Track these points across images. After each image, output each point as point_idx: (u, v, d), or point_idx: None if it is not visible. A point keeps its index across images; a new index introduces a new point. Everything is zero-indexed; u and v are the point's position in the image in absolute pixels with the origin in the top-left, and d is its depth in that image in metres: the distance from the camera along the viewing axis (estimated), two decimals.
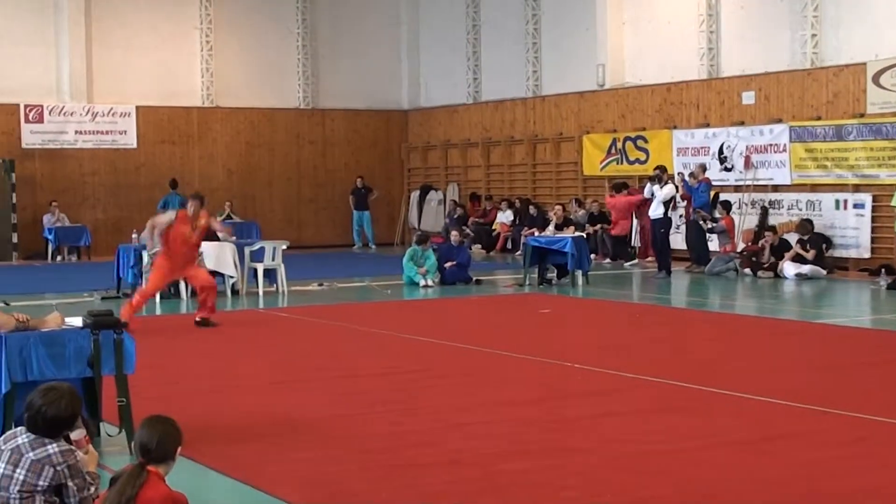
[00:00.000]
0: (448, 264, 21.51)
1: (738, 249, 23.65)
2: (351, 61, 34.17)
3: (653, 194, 22.86)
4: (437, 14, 34.37)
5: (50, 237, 29.29)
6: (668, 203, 22.64)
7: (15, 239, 29.23)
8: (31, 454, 5.36)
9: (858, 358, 12.72)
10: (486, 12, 32.65)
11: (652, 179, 23.35)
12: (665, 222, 22.66)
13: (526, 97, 31.18)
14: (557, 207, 24.32)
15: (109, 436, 8.20)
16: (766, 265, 22.24)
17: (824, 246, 22.36)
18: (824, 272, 21.89)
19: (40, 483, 5.31)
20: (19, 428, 5.56)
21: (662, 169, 23.25)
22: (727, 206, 23.93)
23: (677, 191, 23.60)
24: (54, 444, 5.40)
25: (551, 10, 30.49)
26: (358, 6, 34.36)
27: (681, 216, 24.89)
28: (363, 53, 34.33)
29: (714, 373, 11.43)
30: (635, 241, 26.34)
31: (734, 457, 8.01)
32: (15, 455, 5.37)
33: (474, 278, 21.62)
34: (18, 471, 5.33)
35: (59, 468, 5.34)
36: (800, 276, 21.49)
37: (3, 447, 5.46)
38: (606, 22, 28.40)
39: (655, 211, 22.68)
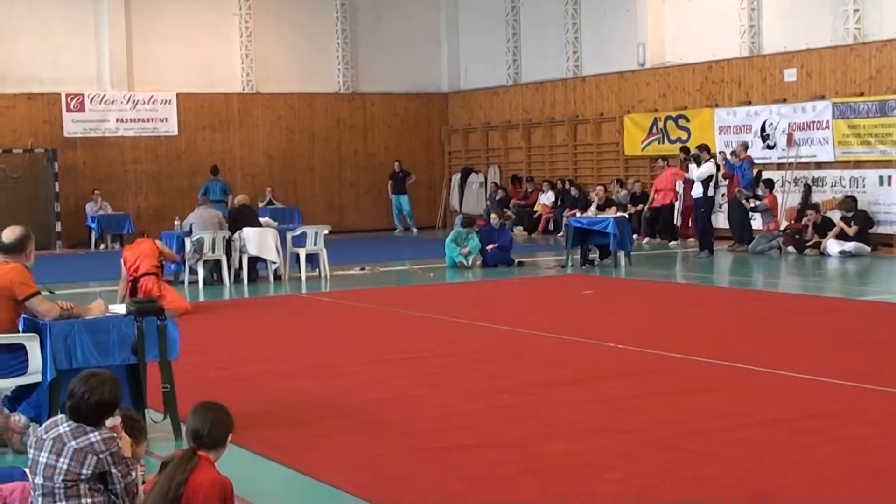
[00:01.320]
0: (490, 247, 21.48)
1: (782, 227, 23.47)
2: (390, 45, 34.16)
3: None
4: None
5: (93, 225, 29.51)
6: (707, 182, 22.45)
7: (58, 228, 29.46)
8: (73, 443, 5.39)
9: None
10: None
11: (689, 159, 23.23)
12: (706, 201, 22.49)
13: (566, 78, 31.05)
14: (599, 188, 24.20)
15: (154, 422, 8.26)
16: (809, 243, 22.07)
17: (868, 223, 22.14)
18: (868, 249, 21.69)
19: (84, 472, 5.35)
20: (60, 416, 5.60)
21: (700, 148, 23.06)
22: (770, 184, 23.75)
23: (718, 169, 23.41)
24: (96, 433, 5.43)
25: None
26: None
27: (723, 195, 24.72)
28: (403, 37, 34.31)
29: (757, 351, 11.36)
30: (677, 219, 26.19)
31: (777, 435, 7.97)
32: (57, 444, 5.41)
33: (516, 260, 21.57)
34: (62, 460, 5.37)
35: (102, 456, 5.37)
36: (844, 254, 21.31)
37: (44, 436, 5.50)
38: (646, 1, 28.22)
39: (696, 190, 22.56)
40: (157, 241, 16.59)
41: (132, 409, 6.68)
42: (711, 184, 22.45)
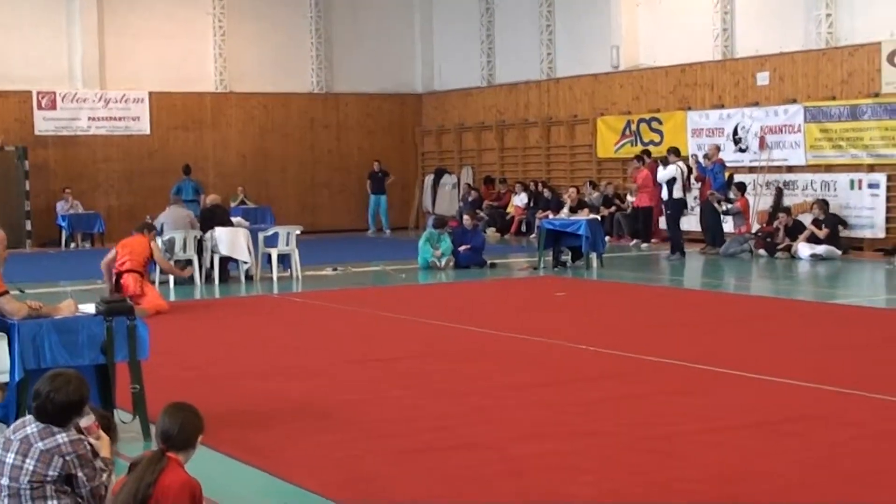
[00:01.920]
0: (463, 248, 21.45)
1: (753, 230, 23.55)
2: (365, 45, 34.09)
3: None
4: None
5: (63, 224, 29.31)
6: (671, 184, 22.51)
7: (29, 226, 29.26)
8: (39, 444, 5.32)
9: (874, 338, 12.63)
10: None
11: (656, 161, 23.41)
12: (672, 204, 22.59)
13: (540, 80, 31.07)
14: (571, 190, 24.25)
15: (123, 423, 8.17)
16: (780, 246, 22.15)
17: (839, 226, 22.23)
18: (839, 252, 21.77)
19: (50, 473, 5.28)
20: (28, 417, 5.52)
21: (669, 150, 23.19)
22: (742, 187, 23.81)
23: (690, 172, 23.50)
24: (63, 434, 5.36)
25: None
26: None
27: (695, 198, 24.81)
28: (377, 37, 34.24)
29: (731, 354, 11.38)
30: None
31: (754, 438, 7.96)
32: (24, 445, 5.34)
33: (489, 262, 21.55)
34: (28, 461, 5.30)
35: (67, 458, 5.30)
36: (815, 257, 21.38)
37: (12, 437, 5.42)
38: (620, 3, 28.27)
39: (663, 193, 22.69)
40: (154, 243, 16.57)
41: (100, 408, 6.61)
42: (676, 186, 22.50)
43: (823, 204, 22.28)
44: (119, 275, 15.84)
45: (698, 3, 26.46)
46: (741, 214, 23.41)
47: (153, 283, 17.35)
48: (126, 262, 15.84)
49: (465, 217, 23.28)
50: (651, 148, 26.36)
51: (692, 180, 24.36)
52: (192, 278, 19.17)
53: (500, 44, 32.75)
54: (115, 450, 6.16)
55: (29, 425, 5.42)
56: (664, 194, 22.68)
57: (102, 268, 16.46)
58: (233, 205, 29.67)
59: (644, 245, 25.35)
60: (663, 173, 22.76)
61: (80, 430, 5.58)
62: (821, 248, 21.55)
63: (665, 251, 23.16)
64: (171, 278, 18.58)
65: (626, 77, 28.43)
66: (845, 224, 22.51)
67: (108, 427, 6.13)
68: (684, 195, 23.03)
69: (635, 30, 28.34)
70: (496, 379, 10.39)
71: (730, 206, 23.38)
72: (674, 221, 22.67)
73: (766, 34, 25.09)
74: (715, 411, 8.87)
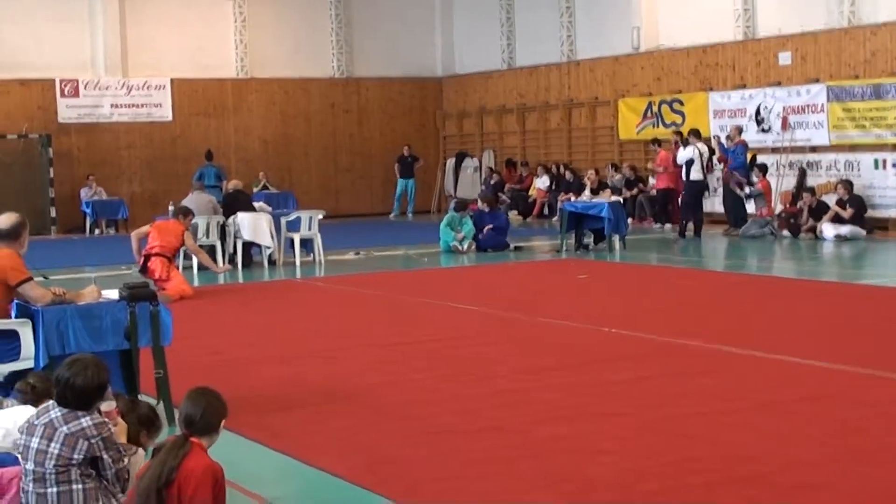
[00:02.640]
0: (486, 228, 21.42)
1: (777, 211, 23.48)
2: (384, 30, 34.07)
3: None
4: None
5: (87, 211, 29.47)
6: (690, 165, 22.50)
7: (53, 213, 29.44)
8: (64, 428, 5.38)
9: None
10: None
11: (678, 143, 23.38)
12: (690, 185, 22.59)
13: (560, 62, 31.00)
14: (590, 172, 24.22)
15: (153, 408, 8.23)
16: (805, 227, 22.07)
17: (864, 206, 22.12)
18: (864, 233, 21.68)
19: (75, 456, 5.34)
20: (50, 402, 5.58)
21: (690, 132, 23.20)
22: (763, 168, 23.73)
23: (712, 153, 23.48)
24: (88, 417, 5.42)
25: None
26: None
27: (718, 179, 24.76)
28: (397, 22, 34.21)
29: (751, 335, 11.37)
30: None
31: (769, 418, 7.99)
32: (49, 429, 5.40)
33: (511, 245, 21.53)
34: (53, 445, 5.36)
35: (93, 441, 5.36)
36: (839, 238, 21.30)
37: (36, 422, 5.48)
38: None
39: (682, 174, 22.74)
40: (188, 232, 16.73)
41: (143, 402, 6.64)
42: (694, 168, 22.48)
43: (847, 184, 22.17)
44: (147, 257, 15.97)
45: None
46: (762, 196, 23.34)
47: (179, 268, 17.44)
48: (156, 247, 16.00)
49: (480, 201, 23.04)
50: (672, 130, 26.23)
51: (715, 161, 24.34)
52: (214, 262, 19.24)
53: (520, 26, 32.67)
54: (153, 442, 6.19)
55: (52, 410, 5.48)
56: (682, 175, 22.70)
57: (133, 237, 17.02)
58: (255, 190, 29.74)
59: (667, 227, 25.30)
60: (682, 155, 22.79)
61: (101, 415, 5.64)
62: (845, 229, 21.46)
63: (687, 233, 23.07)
64: (195, 263, 18.63)
65: (647, 58, 28.34)
66: (868, 204, 22.39)
67: (153, 420, 6.22)
68: (704, 177, 23.00)
69: (656, 11, 28.23)
70: (517, 362, 10.42)
71: (751, 188, 23.31)
72: (691, 203, 22.67)
73: (788, 13, 24.95)
74: (732, 392, 8.88)
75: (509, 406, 8.61)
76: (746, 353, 10.41)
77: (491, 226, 21.55)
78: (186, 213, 16.98)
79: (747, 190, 23.27)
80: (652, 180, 26.64)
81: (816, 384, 9.14)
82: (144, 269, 15.89)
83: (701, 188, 23.02)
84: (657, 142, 26.30)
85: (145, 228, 16.71)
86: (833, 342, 11.03)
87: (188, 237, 16.65)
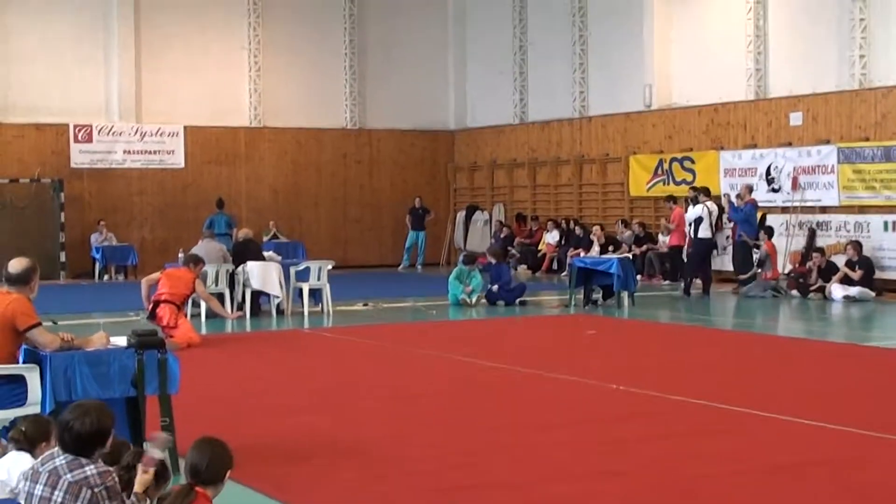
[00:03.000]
0: (495, 287, 21.44)
1: (786, 271, 23.46)
2: (398, 82, 34.27)
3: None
4: (484, 35, 34.40)
5: (97, 256, 29.51)
6: (699, 223, 22.52)
7: (63, 258, 29.48)
8: (68, 476, 5.36)
9: None
10: (533, 33, 32.66)
11: (688, 200, 23.47)
12: (697, 243, 22.60)
13: (573, 117, 31.13)
14: (596, 228, 24.20)
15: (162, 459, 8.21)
16: (813, 287, 22.03)
17: (873, 268, 22.07)
18: (873, 294, 21.64)
19: None
20: (55, 449, 5.57)
21: (697, 190, 23.26)
22: (770, 231, 23.62)
23: (722, 211, 23.53)
24: (92, 466, 5.40)
25: (598, 31, 30.44)
26: (405, 27, 34.48)
27: (727, 237, 24.77)
28: (410, 74, 34.42)
29: (761, 395, 11.31)
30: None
31: (780, 481, 7.92)
32: (52, 477, 5.38)
33: (518, 300, 21.47)
34: (56, 493, 5.34)
35: (96, 489, 5.34)
36: (848, 299, 21.26)
37: (40, 469, 5.46)
38: (654, 42, 28.33)
39: (690, 232, 22.76)
40: (199, 280, 16.74)
41: (129, 442, 6.64)
42: (702, 226, 22.49)
43: (857, 245, 22.14)
44: (156, 304, 15.99)
45: (731, 42, 26.46)
46: (769, 259, 23.22)
47: (187, 315, 17.44)
48: (165, 294, 16.01)
49: (488, 255, 22.97)
50: (683, 188, 26.28)
51: (724, 220, 24.37)
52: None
53: (532, 81, 32.84)
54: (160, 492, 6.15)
55: (57, 457, 5.46)
56: (690, 233, 22.75)
57: (143, 284, 16.99)
58: (265, 239, 29.81)
59: (671, 284, 25.34)
60: (690, 213, 22.84)
61: (113, 462, 5.63)
62: (854, 290, 21.43)
63: (697, 291, 23.01)
64: (203, 310, 18.65)
65: (658, 116, 28.45)
66: (878, 266, 22.35)
67: (160, 470, 6.19)
68: (713, 235, 23.01)
69: (668, 68, 28.37)
70: (524, 417, 10.38)
71: (757, 250, 23.27)
72: (697, 261, 22.68)
73: (800, 74, 25.06)
74: (742, 453, 8.82)
75: (515, 462, 8.56)
76: (756, 413, 10.35)
77: (496, 285, 21.50)
78: (197, 261, 16.99)
79: (755, 254, 23.22)
80: (663, 238, 26.65)
81: (828, 447, 9.08)
82: (153, 316, 15.91)
83: (709, 246, 23.02)
84: (673, 199, 26.32)
85: (156, 275, 16.73)
86: (844, 404, 10.96)
87: (199, 284, 16.66)
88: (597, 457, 8.75)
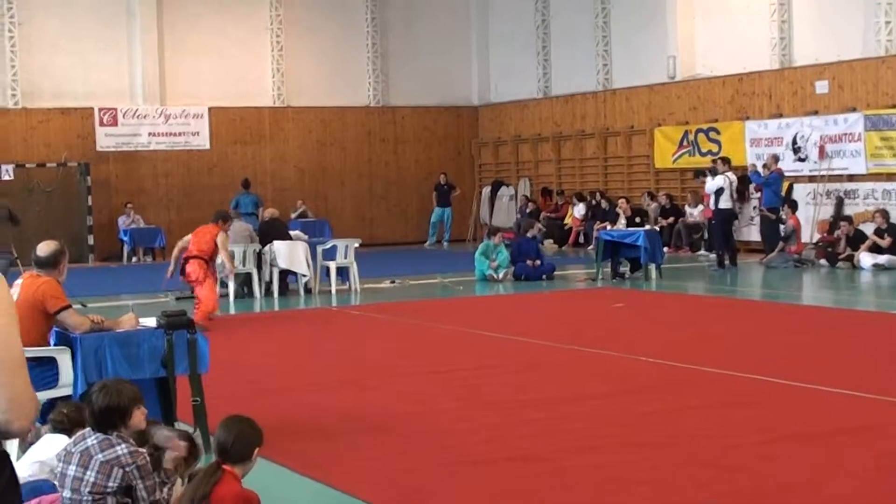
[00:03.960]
0: (531, 262, 21.41)
1: (814, 240, 23.36)
2: (420, 59, 34.23)
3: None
4: (506, 10, 34.31)
5: (125, 239, 29.67)
6: (720, 194, 22.37)
7: (91, 241, 29.65)
8: (100, 455, 5.42)
9: None
10: (555, 7, 32.54)
11: (707, 172, 23.36)
12: (719, 214, 22.44)
13: (596, 91, 31.03)
14: (621, 201, 24.14)
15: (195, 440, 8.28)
16: (842, 256, 21.94)
17: None
18: None
19: (110, 484, 5.38)
20: (87, 430, 5.63)
21: (719, 160, 23.10)
22: (794, 206, 23.49)
23: (744, 181, 23.42)
24: (123, 445, 5.46)
25: (621, 3, 30.31)
26: (427, 4, 34.42)
27: (755, 207, 24.68)
28: (433, 51, 34.37)
29: (788, 365, 11.30)
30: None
31: (809, 450, 7.92)
32: (84, 457, 5.44)
33: (544, 275, 21.43)
34: (88, 472, 5.40)
35: (127, 469, 5.40)
36: (877, 267, 21.17)
37: (72, 449, 5.53)
38: (676, 13, 28.19)
39: (711, 203, 22.61)
40: (222, 234, 16.22)
41: (182, 430, 6.68)
42: (723, 197, 22.33)
43: (885, 213, 22.04)
44: (186, 260, 15.97)
45: (755, 12, 26.30)
46: (794, 234, 23.07)
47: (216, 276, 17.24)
48: (193, 250, 15.99)
49: (495, 236, 22.97)
50: (709, 158, 26.16)
51: (751, 190, 24.28)
52: (251, 291, 19.36)
53: (555, 55, 32.74)
54: (193, 469, 6.22)
55: (89, 437, 5.53)
56: (713, 205, 22.63)
57: (176, 246, 16.74)
58: (293, 217, 29.87)
59: (701, 254, 25.29)
60: (711, 184, 22.66)
61: (143, 443, 5.69)
62: (883, 258, 21.33)
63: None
64: (232, 291, 18.76)
65: (682, 87, 28.33)
66: None
67: (190, 448, 6.25)
68: (733, 205, 22.86)
69: (692, 40, 28.23)
70: (551, 391, 10.40)
71: (783, 225, 23.15)
72: (720, 232, 22.54)
73: (825, 42, 24.89)
74: (769, 423, 8.82)
75: (542, 435, 8.59)
76: (785, 383, 10.35)
77: (536, 260, 21.50)
78: (226, 218, 16.84)
79: (781, 229, 23.09)
80: (690, 209, 26.60)
81: (856, 415, 9.06)
82: (182, 272, 15.94)
83: (730, 216, 22.83)
84: (702, 173, 26.12)
85: (187, 238, 16.52)
86: (872, 373, 10.93)
87: (220, 238, 16.25)
88: (625, 429, 8.76)
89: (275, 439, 8.14)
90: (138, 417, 5.65)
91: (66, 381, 8.15)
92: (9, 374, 3.02)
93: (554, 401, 9.89)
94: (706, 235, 25.87)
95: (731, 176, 22.74)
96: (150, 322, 8.60)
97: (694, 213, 26.74)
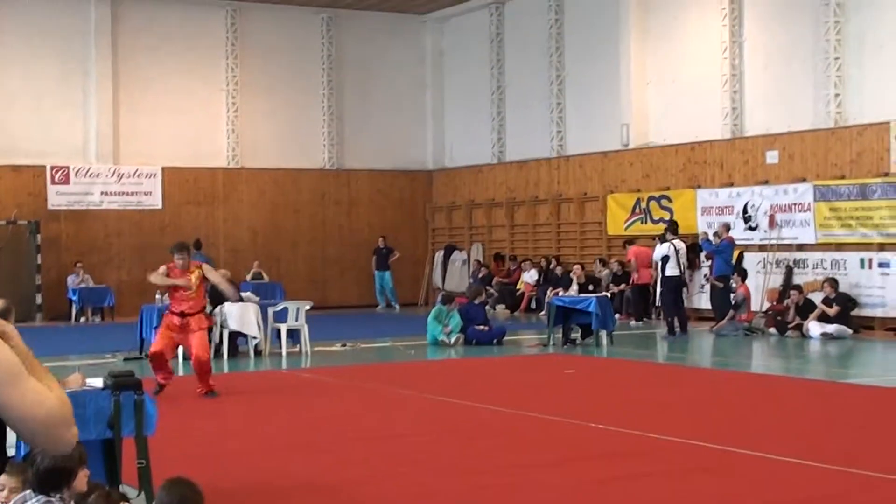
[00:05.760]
0: (479, 327, 21.44)
1: (763, 308, 23.51)
2: (376, 122, 34.36)
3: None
4: (461, 76, 34.56)
5: (74, 298, 29.37)
6: (666, 261, 22.50)
7: (39, 300, 29.34)
8: None
9: (887, 417, 12.55)
10: (511, 74, 32.82)
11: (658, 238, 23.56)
12: (665, 281, 22.56)
13: (550, 157, 31.23)
14: (576, 268, 24.28)
15: (128, 499, 8.13)
16: (791, 324, 22.08)
17: (850, 305, 22.15)
18: (850, 332, 21.69)
19: None
20: (27, 492, 5.51)
21: (666, 228, 23.29)
22: (744, 274, 23.63)
23: (693, 249, 23.58)
24: None
25: (575, 71, 30.60)
26: (383, 68, 34.60)
27: (705, 275, 24.82)
28: (388, 115, 34.52)
29: (740, 433, 11.30)
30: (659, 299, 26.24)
31: None
32: None
33: (494, 340, 21.43)
34: None
35: None
36: (826, 336, 21.31)
37: None
38: (630, 82, 28.50)
39: (658, 270, 22.76)
40: (205, 267, 15.10)
41: (105, 484, 6.58)
42: (669, 264, 22.47)
43: (834, 282, 22.24)
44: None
45: (707, 82, 26.63)
46: (745, 302, 23.20)
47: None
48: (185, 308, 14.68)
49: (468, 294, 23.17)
50: (661, 226, 26.36)
51: (702, 258, 24.45)
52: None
53: (510, 121, 32.97)
54: None
55: (30, 500, 5.41)
56: (661, 272, 22.75)
57: (156, 277, 15.03)
58: (248, 279, 29.70)
59: (636, 323, 25.42)
60: (657, 251, 22.84)
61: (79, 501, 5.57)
62: (831, 327, 21.48)
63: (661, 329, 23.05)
64: (180, 351, 18.54)
65: (635, 155, 28.57)
66: (856, 303, 22.44)
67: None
68: (681, 273, 22.94)
69: (645, 108, 28.53)
70: (505, 457, 10.33)
71: (733, 293, 23.28)
72: (669, 300, 22.63)
73: (776, 113, 25.22)
74: (722, 492, 8.79)
75: (495, 503, 8.50)
76: (738, 451, 10.32)
77: (483, 325, 21.54)
78: (182, 248, 15.10)
79: (732, 299, 23.21)
80: (635, 275, 26.81)
81: (810, 485, 9.05)
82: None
83: (678, 284, 22.94)
84: (629, 241, 26.56)
85: (162, 269, 14.87)
86: (824, 442, 10.95)
87: (208, 270, 15.07)
88: (578, 496, 8.71)
89: (224, 503, 8.01)
90: (81, 480, 5.54)
91: (10, 442, 7.98)
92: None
93: (507, 467, 9.81)
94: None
95: (678, 244, 22.84)
96: (97, 383, 8.47)
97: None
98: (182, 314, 14.57)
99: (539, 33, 31.32)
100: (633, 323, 25.60)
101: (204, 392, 14.63)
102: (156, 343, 15.06)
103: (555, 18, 30.90)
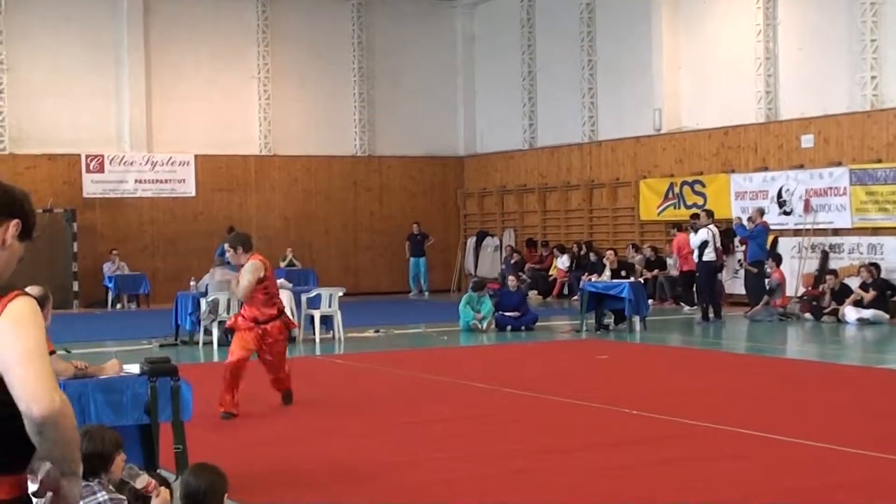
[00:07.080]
0: (510, 314, 21.43)
1: (799, 294, 23.38)
2: (407, 109, 34.35)
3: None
4: (493, 61, 34.50)
5: (110, 285, 29.57)
6: (703, 248, 22.40)
7: (76, 287, 29.55)
8: (80, 502, 5.35)
9: None
10: (542, 59, 32.72)
11: (690, 226, 23.42)
12: (701, 268, 22.46)
13: (582, 142, 31.15)
14: (609, 253, 24.22)
15: (169, 484, 8.18)
16: (827, 310, 21.95)
17: (887, 290, 21.99)
18: (887, 317, 21.54)
19: None
20: None
21: (696, 215, 23.19)
22: (778, 259, 23.51)
23: (727, 234, 23.46)
24: (103, 493, 5.40)
25: (607, 56, 30.48)
26: (413, 55, 34.58)
27: (739, 261, 24.70)
28: (419, 101, 34.50)
29: (773, 419, 11.26)
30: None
31: None
32: None
33: (523, 327, 21.41)
34: None
35: None
36: (861, 321, 21.17)
37: None
38: (663, 66, 28.36)
39: (695, 256, 22.66)
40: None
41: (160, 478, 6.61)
42: (707, 250, 22.37)
43: (872, 267, 22.04)
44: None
45: (741, 66, 26.45)
46: (779, 287, 23.09)
47: (196, 343, 17.16)
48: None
49: (510, 278, 23.30)
50: (694, 211, 26.24)
51: (736, 243, 24.33)
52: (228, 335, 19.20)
53: (542, 107, 32.89)
54: None
55: None
56: (697, 258, 22.65)
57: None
58: (281, 265, 29.79)
59: (686, 308, 25.24)
60: (695, 238, 22.71)
61: (123, 489, 5.61)
62: (868, 312, 21.34)
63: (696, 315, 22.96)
64: (216, 339, 18.63)
65: (668, 140, 28.46)
66: (893, 288, 22.26)
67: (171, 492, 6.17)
68: (718, 258, 22.88)
69: (678, 93, 28.39)
70: (538, 441, 10.34)
71: (768, 278, 23.16)
72: (705, 285, 22.54)
73: (810, 96, 25.04)
74: (756, 477, 8.77)
75: (527, 487, 8.52)
76: (770, 437, 10.30)
77: (518, 312, 21.53)
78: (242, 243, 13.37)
79: (766, 283, 23.10)
80: (670, 261, 26.64)
81: (845, 471, 9.02)
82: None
83: (714, 269, 22.87)
84: (678, 227, 26.24)
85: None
86: (858, 428, 10.90)
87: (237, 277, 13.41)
88: (610, 481, 8.71)
89: (258, 489, 8.06)
90: (119, 465, 5.59)
91: None
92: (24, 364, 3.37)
93: (539, 452, 9.82)
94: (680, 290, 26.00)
95: (714, 229, 22.78)
96: (134, 369, 8.54)
97: (672, 265, 26.72)
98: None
99: (570, 18, 31.20)
100: (686, 308, 25.30)
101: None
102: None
103: (586, 3, 30.77)
